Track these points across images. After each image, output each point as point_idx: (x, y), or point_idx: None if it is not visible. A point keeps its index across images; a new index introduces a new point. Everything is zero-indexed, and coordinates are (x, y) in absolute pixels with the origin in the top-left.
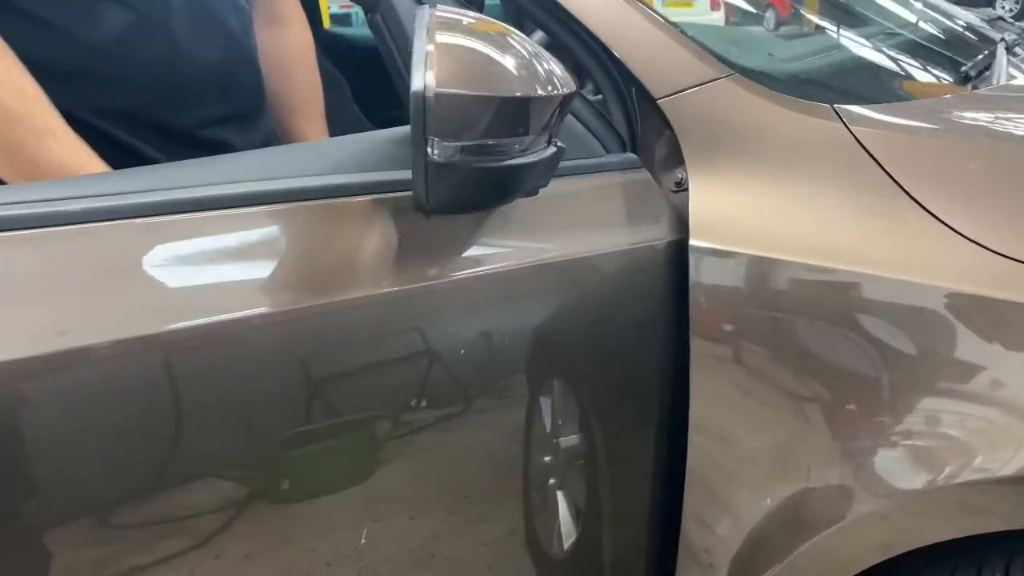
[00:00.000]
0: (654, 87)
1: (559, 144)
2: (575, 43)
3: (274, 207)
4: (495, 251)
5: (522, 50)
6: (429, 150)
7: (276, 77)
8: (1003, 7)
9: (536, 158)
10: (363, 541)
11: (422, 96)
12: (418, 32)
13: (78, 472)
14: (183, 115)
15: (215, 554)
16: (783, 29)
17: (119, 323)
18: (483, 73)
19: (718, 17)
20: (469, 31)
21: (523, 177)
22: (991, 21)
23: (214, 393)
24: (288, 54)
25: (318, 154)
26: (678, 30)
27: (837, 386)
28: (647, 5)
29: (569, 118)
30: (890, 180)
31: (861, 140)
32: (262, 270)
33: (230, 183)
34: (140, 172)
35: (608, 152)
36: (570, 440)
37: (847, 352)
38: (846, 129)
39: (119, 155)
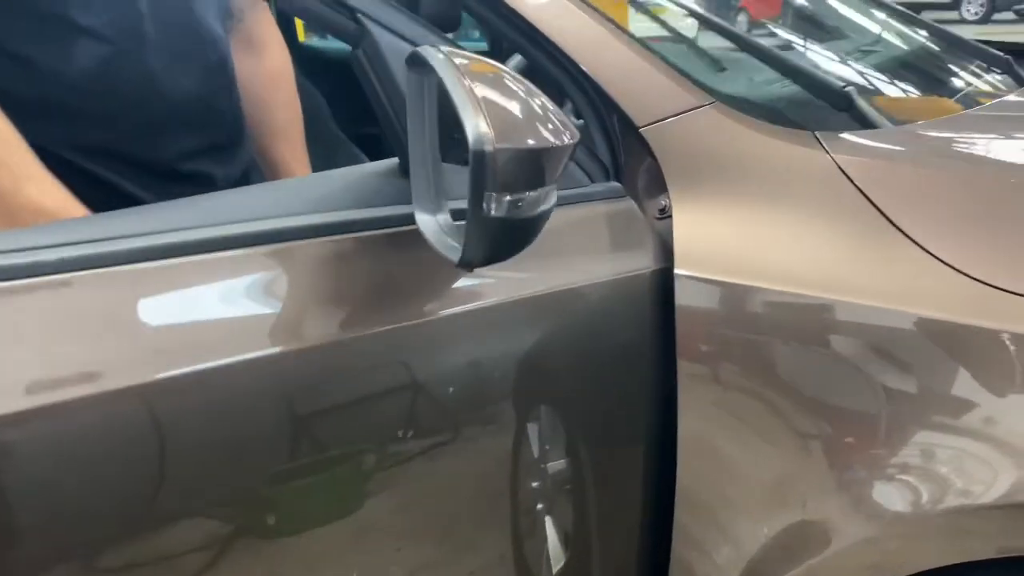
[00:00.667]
0: (636, 115)
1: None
2: (556, 70)
3: (260, 248)
4: (483, 284)
5: (534, 94)
6: (486, 206)
7: (255, 103)
8: (968, 11)
9: (555, 202)
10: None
11: (482, 152)
12: (450, 80)
13: (62, 525)
14: (161, 148)
15: None
16: (763, 50)
17: (104, 375)
18: (526, 124)
19: (691, 24)
20: (494, 79)
21: (543, 221)
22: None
23: (203, 435)
24: (266, 79)
25: (303, 191)
26: (659, 57)
27: (823, 413)
28: (627, 32)
29: None
30: (872, 207)
31: (843, 167)
32: (248, 312)
33: (215, 225)
34: (120, 216)
35: (592, 181)
36: (558, 466)
37: (832, 379)
38: (827, 156)
39: (96, 190)
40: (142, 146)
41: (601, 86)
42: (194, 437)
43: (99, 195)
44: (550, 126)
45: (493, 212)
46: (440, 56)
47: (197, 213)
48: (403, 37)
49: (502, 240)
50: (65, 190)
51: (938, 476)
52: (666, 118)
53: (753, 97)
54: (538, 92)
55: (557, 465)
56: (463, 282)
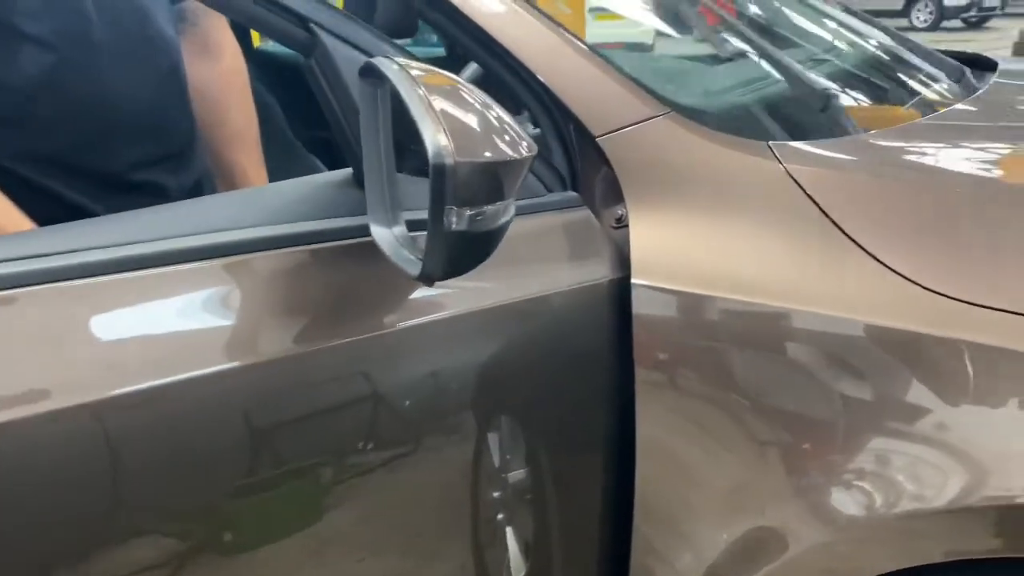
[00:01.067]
0: (592, 125)
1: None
2: (511, 78)
3: (215, 261)
4: (440, 295)
5: (490, 106)
6: (446, 220)
7: (210, 107)
8: (918, 18)
9: (514, 214)
10: None
11: (443, 166)
12: (407, 92)
13: (13, 544)
14: (111, 158)
15: None
16: (719, 56)
17: (50, 393)
18: (484, 137)
19: (647, 30)
20: (450, 91)
21: (503, 232)
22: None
23: (158, 452)
24: (221, 85)
25: (257, 202)
26: (615, 66)
27: (780, 420)
28: (583, 42)
29: None
30: (824, 217)
31: (796, 177)
32: (203, 326)
33: (168, 238)
34: (68, 228)
35: (549, 191)
36: (518, 476)
37: (787, 387)
38: (781, 167)
39: (43, 202)
40: (91, 156)
41: (557, 95)
42: (149, 453)
43: (46, 207)
44: (507, 138)
45: (454, 226)
46: (395, 67)
47: (149, 225)
48: (356, 46)
49: (463, 253)
50: (8, 203)
51: (892, 481)
52: (622, 128)
53: (709, 107)
54: (494, 104)
55: (517, 475)
56: (419, 294)
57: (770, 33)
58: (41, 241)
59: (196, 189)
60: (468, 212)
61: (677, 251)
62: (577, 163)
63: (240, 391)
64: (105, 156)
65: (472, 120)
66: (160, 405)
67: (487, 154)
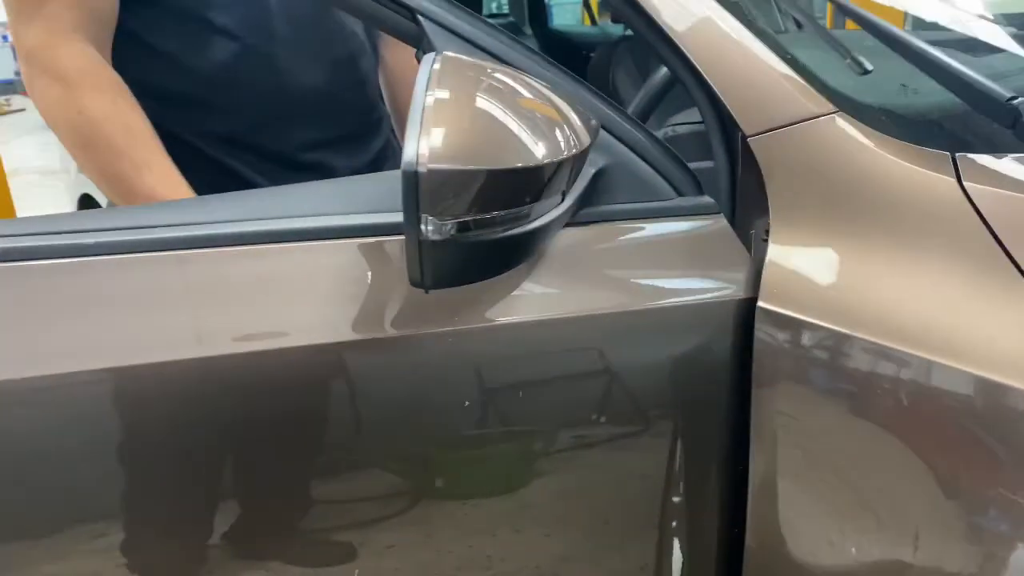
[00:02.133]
0: (745, 122)
1: (573, 199)
2: (682, 72)
3: (293, 244)
4: (544, 296)
5: (529, 106)
6: (423, 228)
7: (407, 92)
8: None
9: (543, 222)
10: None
11: (413, 173)
12: (418, 88)
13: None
14: (284, 138)
15: (360, 541)
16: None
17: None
18: (481, 142)
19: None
20: (470, 88)
21: (530, 243)
22: None
23: (400, 394)
24: (407, 67)
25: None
26: (781, 55)
27: (916, 479)
28: (748, 23)
29: (633, 158)
30: (1002, 252)
31: (973, 198)
32: (296, 304)
33: (263, 219)
34: (229, 199)
35: (680, 195)
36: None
37: (927, 448)
38: (958, 185)
39: (220, 176)
40: (266, 136)
41: (711, 85)
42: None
43: (221, 180)
44: (540, 139)
45: (431, 235)
46: (436, 64)
47: (305, 199)
48: (463, 37)
49: (456, 262)
50: (180, 180)
51: None
52: (778, 127)
53: (890, 106)
54: (550, 99)
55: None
56: (523, 291)
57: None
58: (171, 212)
59: (373, 168)
60: (450, 221)
61: (817, 277)
62: (724, 166)
63: (492, 349)
64: (277, 137)
65: (475, 125)
66: (403, 354)
67: (474, 164)
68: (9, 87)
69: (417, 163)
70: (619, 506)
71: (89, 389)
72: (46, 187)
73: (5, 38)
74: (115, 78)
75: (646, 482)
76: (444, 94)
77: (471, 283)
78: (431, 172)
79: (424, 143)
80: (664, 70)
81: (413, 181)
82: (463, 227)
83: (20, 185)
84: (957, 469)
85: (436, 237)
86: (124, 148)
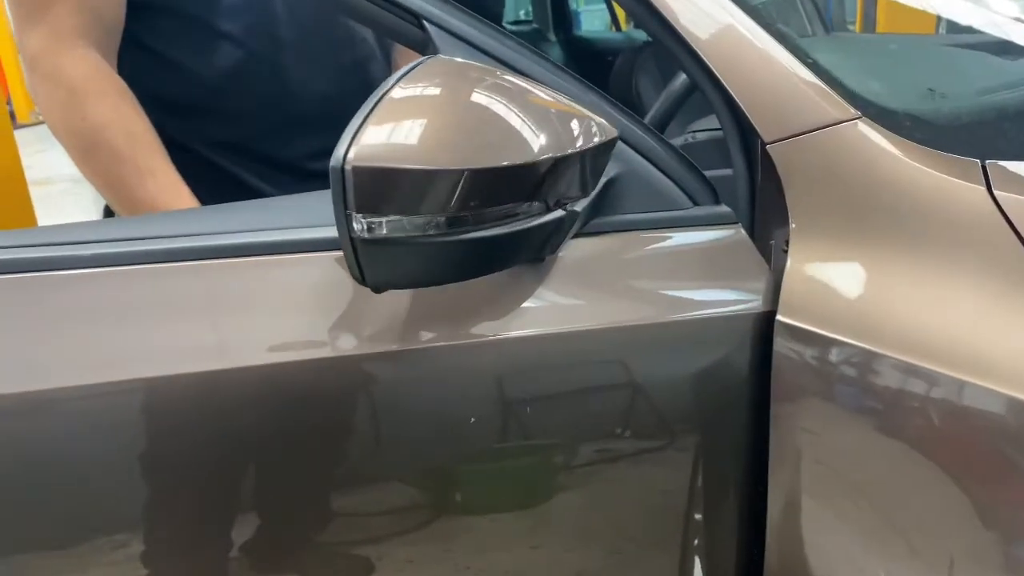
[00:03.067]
0: (764, 128)
1: (569, 209)
2: (700, 77)
3: (300, 256)
4: (565, 308)
5: (506, 109)
6: (352, 225)
7: None
8: None
9: (504, 231)
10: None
11: (339, 170)
12: (385, 85)
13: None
14: (290, 147)
15: (378, 556)
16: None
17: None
18: (421, 141)
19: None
20: (439, 88)
21: (490, 251)
22: None
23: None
24: None
25: None
26: (802, 58)
27: (946, 503)
28: (768, 24)
29: (647, 166)
30: None
31: (1005, 209)
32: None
33: (257, 231)
34: (229, 209)
35: (696, 204)
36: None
37: (957, 471)
38: (988, 194)
39: (226, 185)
40: (271, 144)
41: (731, 91)
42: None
43: (227, 189)
44: (464, 147)
45: (358, 232)
46: (419, 62)
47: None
48: (469, 43)
49: (400, 264)
50: (184, 188)
51: None
52: (798, 134)
53: (917, 111)
54: (536, 105)
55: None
56: (533, 303)
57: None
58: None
59: None
60: (380, 220)
61: (838, 289)
62: (743, 174)
63: (501, 362)
64: (284, 145)
65: (423, 124)
66: (417, 366)
67: (404, 162)
68: None
69: (343, 160)
70: (637, 523)
71: (93, 402)
72: (78, 195)
73: None
74: (119, 84)
75: (663, 499)
76: (402, 92)
77: (422, 287)
78: (356, 169)
79: (359, 139)
80: (681, 79)
81: (339, 178)
82: (395, 226)
83: (53, 193)
84: (991, 493)
85: (366, 236)
86: (127, 155)
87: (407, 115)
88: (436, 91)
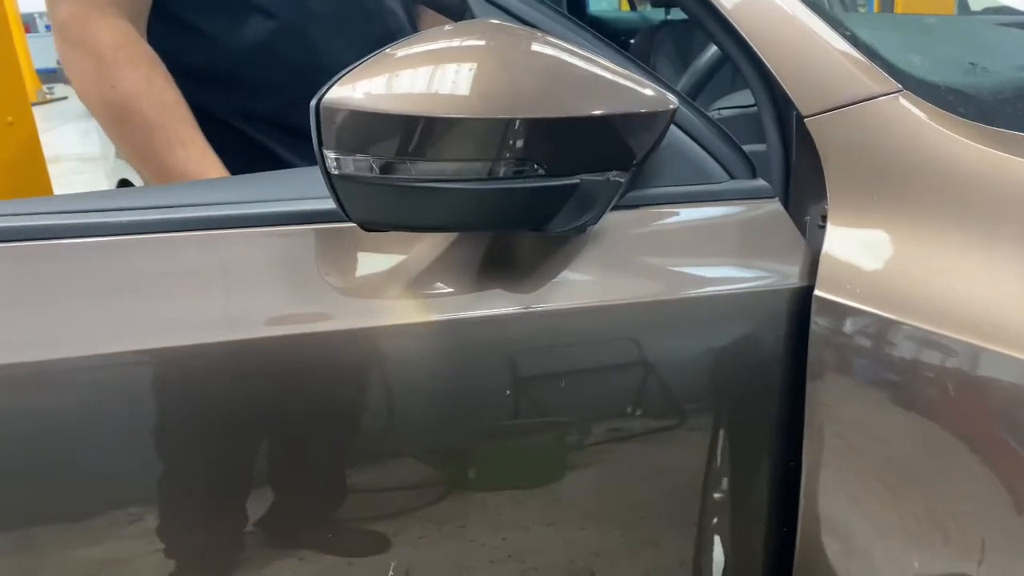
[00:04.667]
0: (802, 102)
1: (585, 178)
2: (733, 50)
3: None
4: (592, 283)
5: (518, 66)
6: (328, 162)
7: None
8: None
9: (476, 187)
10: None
11: (314, 107)
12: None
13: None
14: None
15: (392, 532)
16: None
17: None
18: (404, 87)
19: None
20: (458, 42)
21: (467, 206)
22: None
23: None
24: None
25: None
26: (841, 31)
27: (996, 489)
28: (812, 1)
29: (684, 139)
30: None
31: None
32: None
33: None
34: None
35: (732, 178)
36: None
37: (1007, 453)
38: None
39: (255, 156)
40: (300, 116)
41: (765, 63)
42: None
43: (257, 159)
44: (442, 98)
45: (334, 169)
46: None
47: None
48: (506, 10)
49: (380, 203)
50: (214, 158)
51: None
52: (838, 107)
53: (959, 85)
54: (521, 67)
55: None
56: (563, 277)
57: None
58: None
59: None
60: (358, 158)
61: (879, 264)
62: (778, 147)
63: (513, 337)
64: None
65: (412, 73)
66: (438, 340)
67: (377, 106)
68: (52, 76)
69: (319, 100)
70: (659, 501)
71: (109, 372)
72: (86, 173)
73: (48, 27)
74: (150, 53)
75: (688, 477)
76: (403, 48)
77: (406, 231)
78: (325, 109)
79: (339, 83)
80: (708, 54)
81: (314, 116)
82: (360, 165)
83: (61, 171)
84: None
85: (338, 172)
86: (157, 124)
87: (396, 67)
88: (431, 46)
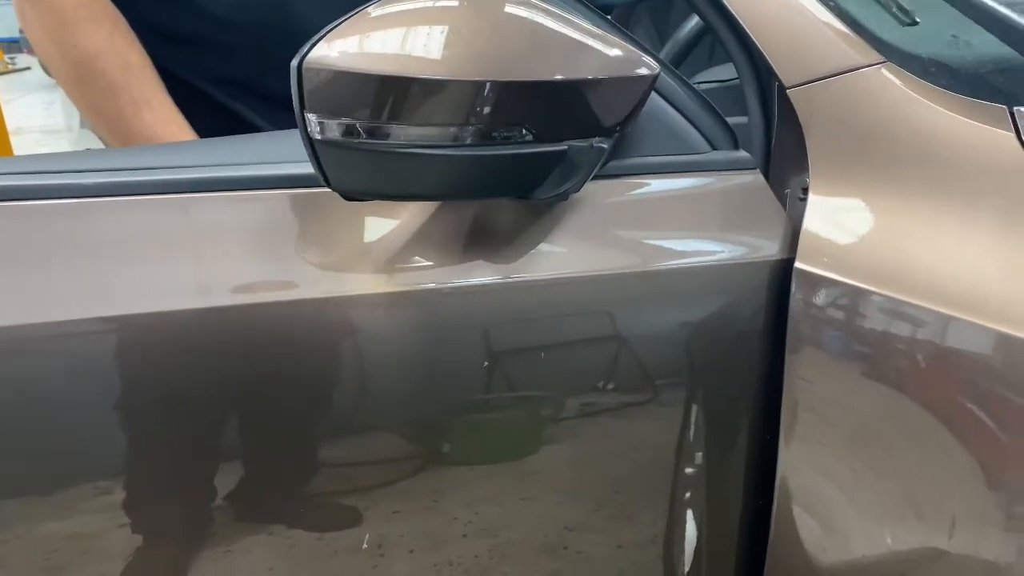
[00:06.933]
0: (785, 72)
1: (596, 145)
2: (715, 19)
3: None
4: (567, 253)
5: (501, 28)
6: (310, 128)
7: None
8: None
9: (461, 153)
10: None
11: (296, 68)
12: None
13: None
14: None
15: (364, 506)
16: None
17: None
18: (383, 48)
19: None
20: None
21: (454, 172)
22: None
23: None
24: None
25: None
26: (827, 4)
27: (973, 462)
28: None
29: (667, 108)
30: None
31: None
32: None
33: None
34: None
35: (714, 149)
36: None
37: (986, 429)
38: (1016, 141)
39: (224, 120)
40: (273, 81)
41: (751, 35)
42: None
43: (227, 124)
44: (430, 59)
45: (317, 134)
46: None
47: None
48: None
49: (359, 169)
50: (182, 120)
51: None
52: (820, 78)
53: (942, 57)
54: (504, 28)
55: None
56: (540, 248)
57: None
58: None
59: None
60: (339, 121)
61: (861, 237)
62: (759, 118)
63: (491, 309)
64: (285, 82)
65: (391, 33)
66: (409, 310)
67: (356, 67)
68: (14, 45)
69: (300, 60)
70: (635, 475)
71: (83, 338)
72: (50, 145)
73: None
74: (112, 10)
75: (664, 451)
76: (380, 8)
77: (388, 199)
78: (308, 69)
79: (320, 42)
80: (688, 27)
81: (296, 77)
82: (345, 129)
83: (24, 144)
84: (1018, 445)
85: (318, 136)
86: (122, 85)
87: (378, 26)
88: (419, 3)
